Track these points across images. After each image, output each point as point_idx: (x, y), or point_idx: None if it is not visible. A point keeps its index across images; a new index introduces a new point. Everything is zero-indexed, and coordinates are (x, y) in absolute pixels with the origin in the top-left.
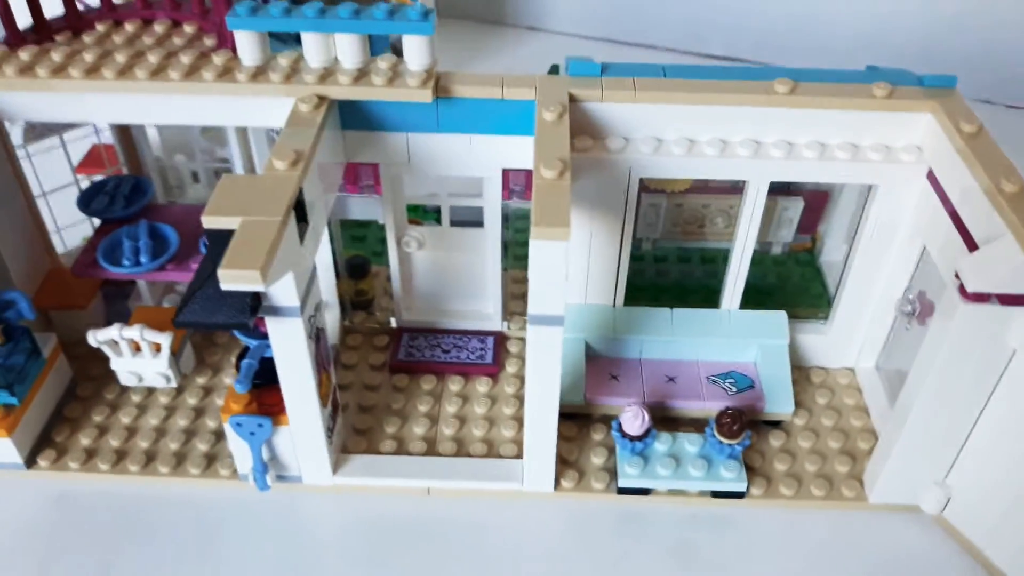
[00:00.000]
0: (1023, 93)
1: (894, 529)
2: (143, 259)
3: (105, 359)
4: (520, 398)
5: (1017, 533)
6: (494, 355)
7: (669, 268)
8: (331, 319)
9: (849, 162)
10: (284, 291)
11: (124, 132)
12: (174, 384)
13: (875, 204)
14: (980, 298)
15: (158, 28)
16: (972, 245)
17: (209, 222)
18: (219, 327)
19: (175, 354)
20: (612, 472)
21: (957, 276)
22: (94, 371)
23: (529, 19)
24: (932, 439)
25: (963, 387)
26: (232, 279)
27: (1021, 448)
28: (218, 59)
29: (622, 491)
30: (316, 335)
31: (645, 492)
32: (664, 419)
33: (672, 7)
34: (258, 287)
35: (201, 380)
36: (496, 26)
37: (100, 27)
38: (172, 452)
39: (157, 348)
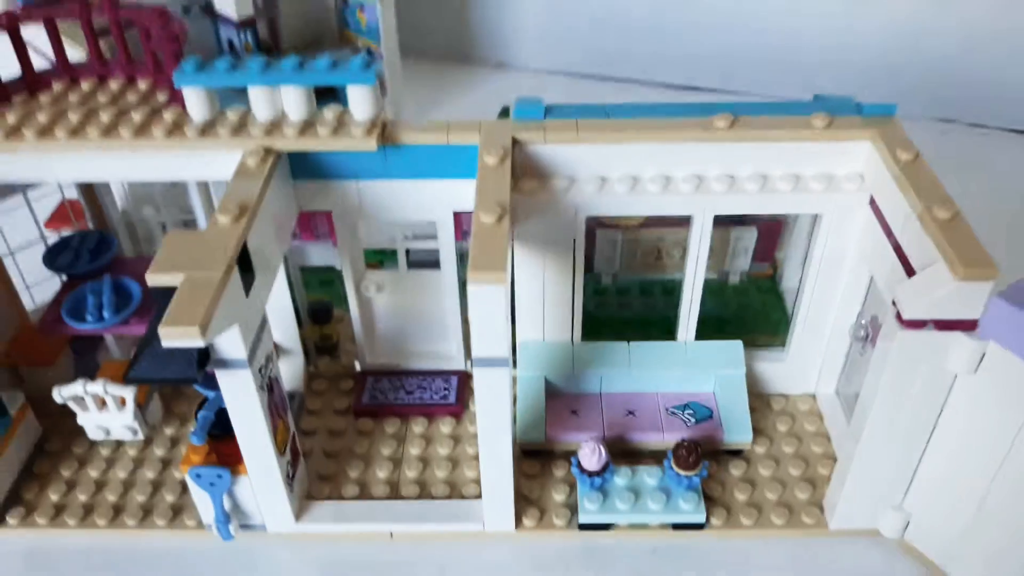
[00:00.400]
0: (985, 113)
1: (855, 554)
2: (106, 314)
3: (74, 414)
4: None
5: (976, 552)
6: (457, 394)
7: (631, 301)
8: (296, 365)
9: (791, 193)
10: (231, 344)
11: (88, 188)
12: (141, 437)
13: (821, 233)
14: (917, 324)
15: (113, 85)
16: (911, 272)
17: (153, 279)
18: (168, 382)
19: (141, 406)
20: (574, 508)
21: (894, 303)
22: (65, 426)
23: (495, 56)
24: (886, 463)
25: (910, 411)
26: (173, 336)
27: (973, 469)
28: (168, 115)
29: (583, 527)
30: (269, 385)
31: (606, 527)
32: (625, 452)
33: (636, 40)
34: (198, 343)
35: (169, 431)
36: (462, 64)
37: (56, 86)
38: (139, 504)
39: (123, 402)
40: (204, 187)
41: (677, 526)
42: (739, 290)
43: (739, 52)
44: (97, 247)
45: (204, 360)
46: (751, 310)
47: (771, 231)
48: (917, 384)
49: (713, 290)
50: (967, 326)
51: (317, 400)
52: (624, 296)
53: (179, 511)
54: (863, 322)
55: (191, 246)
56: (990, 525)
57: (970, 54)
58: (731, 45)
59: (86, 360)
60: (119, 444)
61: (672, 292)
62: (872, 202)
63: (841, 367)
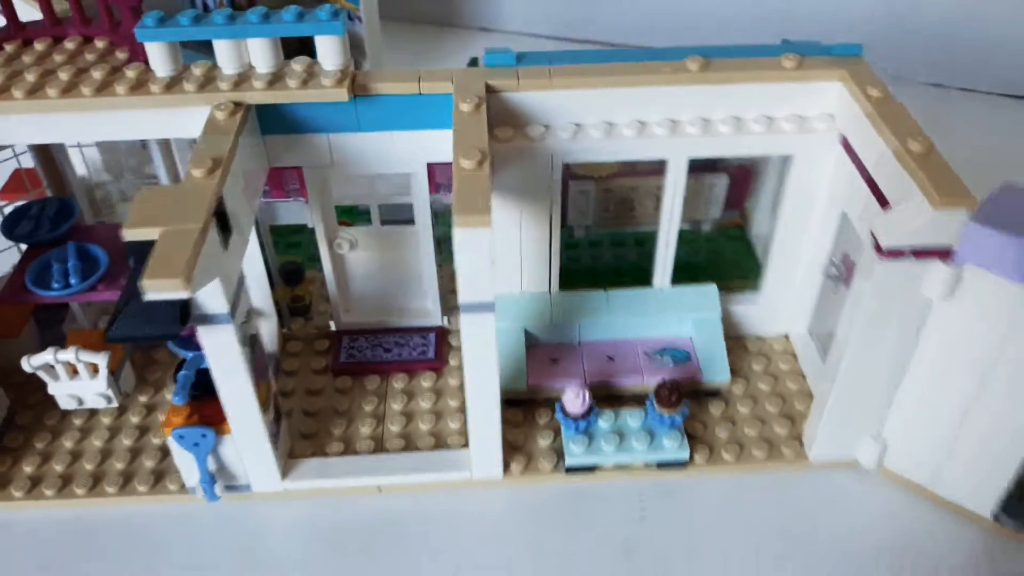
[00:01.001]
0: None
1: (835, 484)
2: (73, 280)
3: (42, 386)
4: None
5: (958, 469)
6: (436, 350)
7: (603, 253)
8: (269, 327)
9: (764, 134)
10: (212, 298)
11: (45, 154)
12: (115, 404)
13: (793, 174)
14: (895, 254)
15: (69, 45)
16: (885, 205)
17: (130, 235)
18: (150, 339)
19: (114, 373)
20: (559, 453)
21: (872, 235)
22: (32, 399)
23: (480, 20)
24: (863, 394)
25: (887, 341)
26: (156, 288)
27: (951, 391)
28: (131, 72)
29: (570, 470)
30: (250, 341)
31: (592, 469)
32: (607, 397)
33: (620, 4)
34: (182, 294)
35: (143, 398)
36: (447, 28)
37: (8, 47)
38: (118, 472)
39: (94, 369)
40: (167, 151)
41: (662, 465)
42: (710, 239)
43: (729, 21)
44: (57, 215)
45: (185, 316)
46: (722, 258)
47: (741, 178)
48: (895, 313)
49: (685, 239)
50: (943, 253)
51: (293, 361)
52: (597, 249)
53: (160, 476)
54: (835, 261)
55: (166, 200)
56: (970, 441)
57: (963, 18)
58: (717, 11)
59: (51, 332)
60: (92, 413)
61: (644, 243)
62: (844, 142)
63: (813, 308)
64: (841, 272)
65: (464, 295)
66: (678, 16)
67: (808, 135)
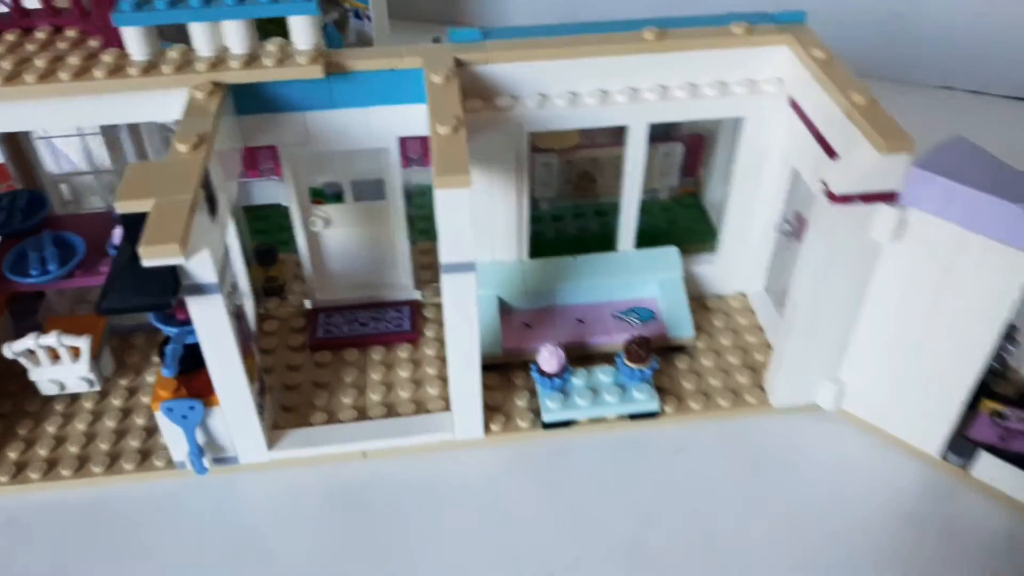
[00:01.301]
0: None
1: (797, 427)
2: (51, 267)
3: (21, 373)
4: (442, 359)
5: (910, 406)
6: (412, 322)
7: (567, 225)
8: (246, 307)
9: (717, 98)
10: (202, 268)
11: (14, 148)
12: (97, 387)
13: (745, 136)
14: (845, 200)
15: (39, 35)
16: (834, 157)
17: (123, 207)
18: (143, 309)
19: (95, 357)
20: (536, 412)
21: (823, 183)
22: (11, 387)
23: (485, 18)
24: (819, 339)
25: (839, 286)
26: (153, 255)
27: (902, 331)
28: (107, 57)
29: (547, 426)
30: (237, 312)
31: (568, 424)
32: (579, 357)
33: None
34: (179, 260)
35: (124, 382)
36: (453, 26)
37: None
38: (104, 453)
39: (76, 353)
40: (138, 142)
41: (634, 416)
42: (666, 207)
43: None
44: (29, 205)
45: (176, 286)
46: (679, 225)
47: (695, 146)
48: (846, 258)
49: (643, 209)
50: (889, 197)
51: (271, 339)
52: (561, 222)
53: (147, 455)
54: (788, 218)
55: (155, 174)
56: (918, 381)
57: (971, 21)
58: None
59: (26, 323)
60: (74, 399)
61: (607, 215)
62: (792, 103)
63: (768, 265)
64: (794, 228)
65: (446, 255)
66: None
67: (758, 97)
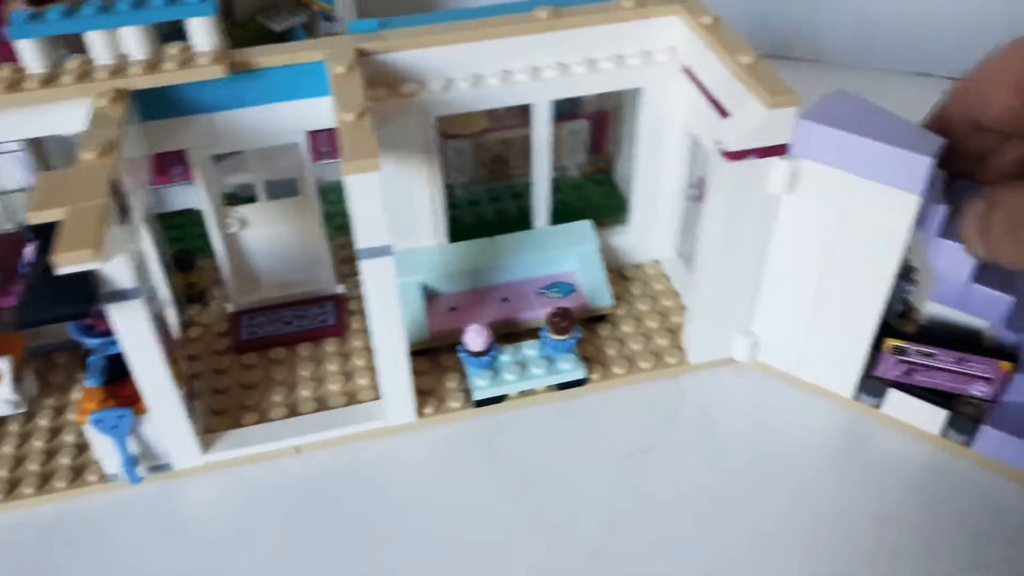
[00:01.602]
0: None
1: (716, 381)
2: None
3: None
4: (371, 349)
5: (817, 354)
6: (337, 316)
7: (485, 209)
8: (169, 316)
9: (614, 71)
10: (119, 273)
11: None
12: (23, 408)
13: (644, 107)
14: (740, 156)
15: None
16: (727, 117)
17: (36, 217)
18: (62, 318)
19: (17, 378)
20: (468, 391)
21: (718, 142)
22: None
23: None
24: (729, 293)
25: (743, 240)
26: (68, 261)
27: (802, 280)
28: (3, 72)
29: (479, 403)
30: (158, 318)
31: (499, 400)
32: (506, 335)
33: None
34: (95, 265)
35: (50, 401)
36: None
37: None
38: (35, 473)
39: None
40: (42, 157)
41: (562, 386)
42: (579, 185)
43: None
44: None
45: (95, 294)
46: (592, 202)
47: (600, 122)
48: (746, 213)
49: (557, 187)
50: (781, 150)
51: (197, 345)
52: (478, 206)
53: (80, 471)
54: (692, 183)
55: (65, 183)
56: (825, 326)
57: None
58: None
59: None
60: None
61: (522, 195)
62: (687, 70)
63: (679, 231)
64: (699, 192)
65: (362, 240)
66: None
67: (653, 67)
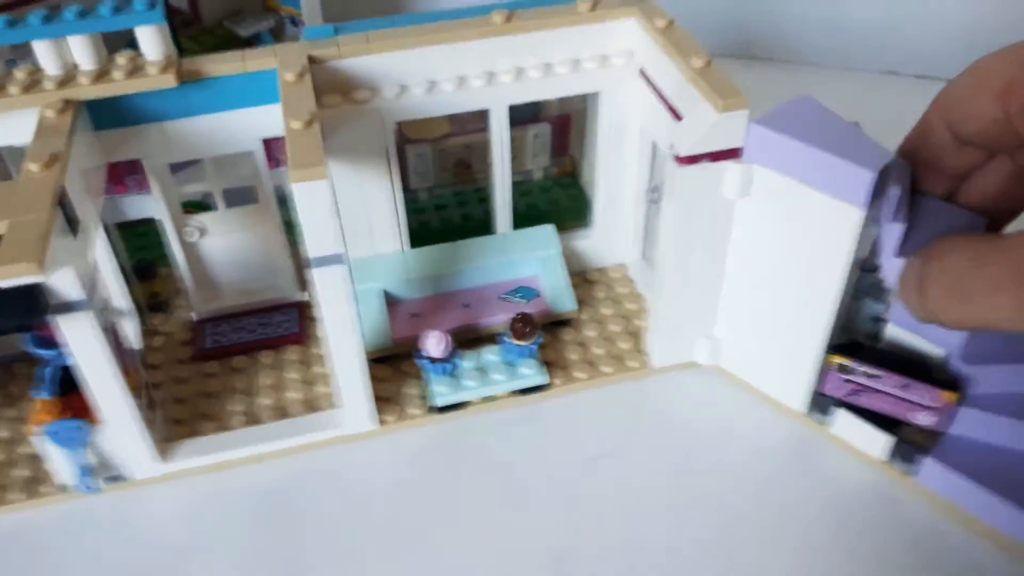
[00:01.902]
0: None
1: (678, 385)
2: None
3: None
4: None
5: (771, 362)
6: (299, 324)
7: (451, 213)
8: (131, 326)
9: (570, 75)
10: (68, 285)
11: None
12: None
13: (603, 110)
14: (692, 160)
15: None
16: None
17: None
18: (8, 330)
19: None
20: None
21: (671, 147)
22: None
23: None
24: (690, 297)
25: (702, 244)
26: (9, 275)
27: (759, 285)
28: None
29: (439, 410)
30: (111, 328)
31: (461, 406)
32: (468, 341)
33: None
34: (37, 278)
35: (12, 412)
36: None
37: None
38: None
39: None
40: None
41: (524, 391)
42: (544, 188)
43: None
44: None
45: (41, 306)
46: (558, 205)
47: (562, 125)
48: (702, 217)
49: (522, 191)
50: (734, 154)
51: (158, 354)
52: (443, 211)
53: (37, 482)
54: (653, 187)
55: (8, 195)
56: (778, 335)
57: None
58: None
59: None
60: None
61: (485, 199)
62: (643, 73)
63: (642, 235)
64: (660, 196)
65: (312, 250)
66: None
67: (609, 71)
